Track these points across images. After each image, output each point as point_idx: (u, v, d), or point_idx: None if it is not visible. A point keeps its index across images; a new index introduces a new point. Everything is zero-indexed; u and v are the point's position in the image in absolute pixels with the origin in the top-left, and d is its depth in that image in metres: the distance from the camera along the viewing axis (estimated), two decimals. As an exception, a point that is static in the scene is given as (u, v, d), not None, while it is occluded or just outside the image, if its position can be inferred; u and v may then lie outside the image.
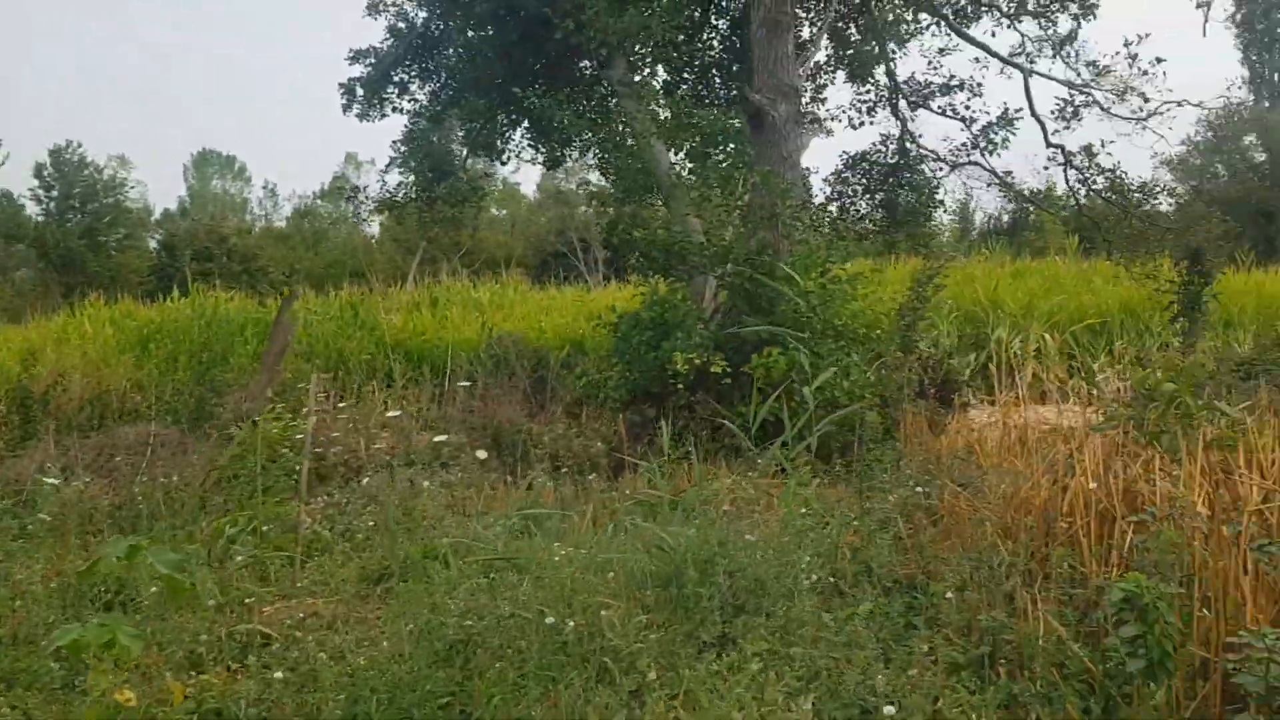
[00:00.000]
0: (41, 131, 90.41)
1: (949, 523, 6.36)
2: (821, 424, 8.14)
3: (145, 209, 59.63)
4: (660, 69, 14.39)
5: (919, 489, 6.36)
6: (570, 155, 16.23)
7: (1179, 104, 15.34)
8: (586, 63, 13.66)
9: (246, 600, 5.79)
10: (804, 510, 6.39)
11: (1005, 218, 38.84)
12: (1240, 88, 34.55)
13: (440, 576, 5.59)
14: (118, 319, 17.51)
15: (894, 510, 6.25)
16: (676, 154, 12.68)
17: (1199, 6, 14.79)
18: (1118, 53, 15.51)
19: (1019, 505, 6.14)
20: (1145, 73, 15.19)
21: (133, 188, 57.21)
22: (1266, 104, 42.44)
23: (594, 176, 19.30)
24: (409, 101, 15.14)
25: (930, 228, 17.80)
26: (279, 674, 4.59)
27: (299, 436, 8.52)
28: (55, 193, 50.97)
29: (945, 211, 19.09)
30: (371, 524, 7.08)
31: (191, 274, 26.53)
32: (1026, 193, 17.12)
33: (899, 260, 18.20)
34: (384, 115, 15.24)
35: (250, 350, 14.68)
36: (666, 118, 12.24)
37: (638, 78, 12.88)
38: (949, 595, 4.96)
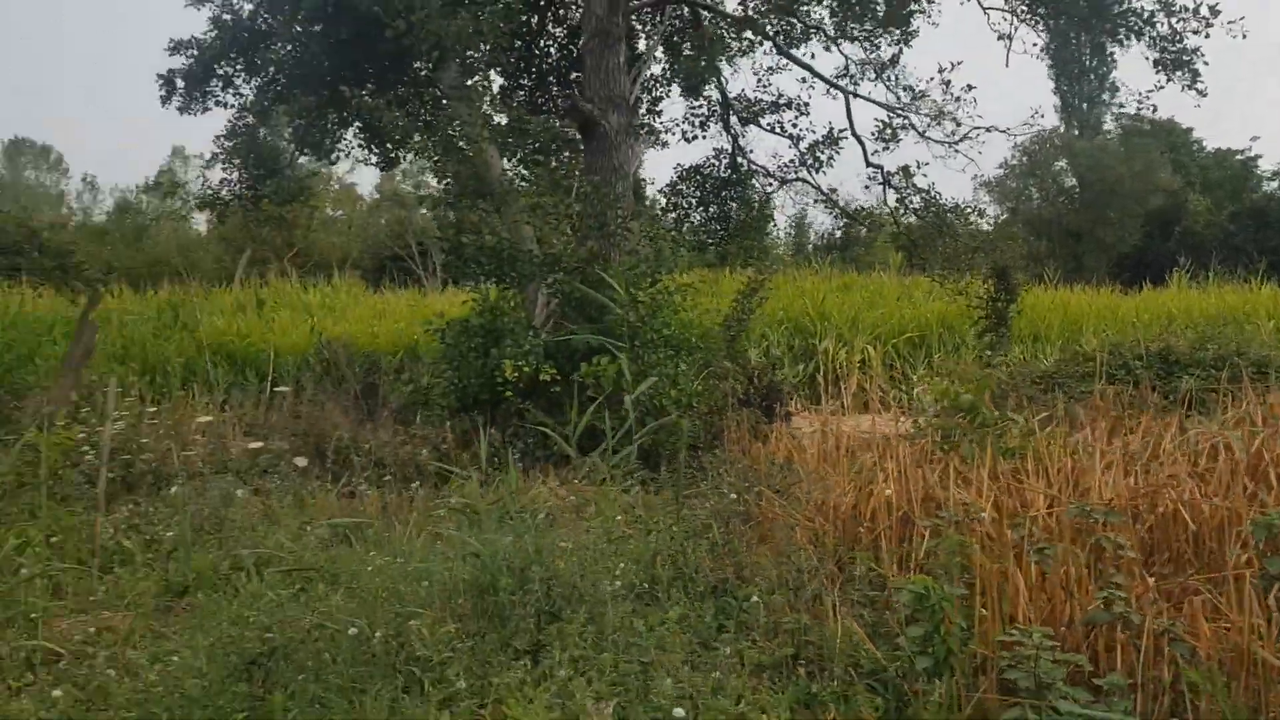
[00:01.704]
0: None
1: (764, 529, 6.55)
2: (642, 432, 8.25)
3: (-53, 199, 55.45)
4: (496, 74, 14.35)
5: (733, 496, 6.51)
6: (405, 157, 15.97)
7: (988, 130, 16.18)
8: (420, 64, 13.46)
9: (32, 615, 5.44)
10: (623, 517, 6.44)
11: (838, 233, 40.01)
12: (1040, 116, 36.59)
13: (246, 588, 5.40)
14: (-92, 316, 16.30)
15: (709, 517, 6.37)
16: (509, 160, 12.64)
17: (1000, 39, 15.61)
18: (932, 79, 16.30)
19: (827, 511, 6.39)
20: (958, 99, 16.01)
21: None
22: (1076, 132, 45.22)
23: (432, 179, 19.08)
24: (234, 96, 14.57)
25: (761, 241, 18.28)
26: (57, 691, 4.34)
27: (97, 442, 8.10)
28: None
29: (774, 226, 19.64)
30: (170, 534, 6.77)
31: (-5, 269, 24.78)
32: (850, 210, 17.74)
33: (733, 272, 18.67)
34: (206, 109, 14.59)
35: (60, 351, 13.86)
36: (500, 123, 12.18)
37: (470, 82, 12.78)
38: (755, 599, 5.08)
